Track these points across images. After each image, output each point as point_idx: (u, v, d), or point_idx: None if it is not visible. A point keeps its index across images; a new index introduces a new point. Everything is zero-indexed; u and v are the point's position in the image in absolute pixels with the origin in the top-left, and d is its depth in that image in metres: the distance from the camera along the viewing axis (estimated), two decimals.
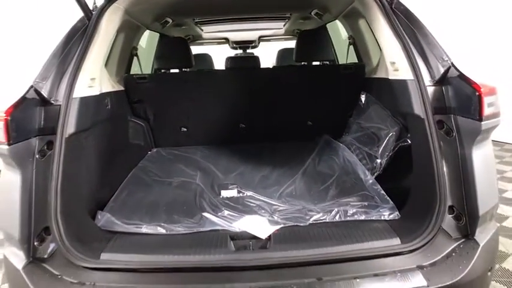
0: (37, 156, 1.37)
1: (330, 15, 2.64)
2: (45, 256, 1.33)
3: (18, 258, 1.32)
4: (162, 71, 2.51)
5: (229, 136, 2.56)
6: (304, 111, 2.54)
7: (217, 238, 1.42)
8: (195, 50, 4.52)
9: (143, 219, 1.56)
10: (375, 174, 1.85)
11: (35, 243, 1.33)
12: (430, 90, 1.39)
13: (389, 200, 1.59)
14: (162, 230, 1.49)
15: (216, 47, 4.85)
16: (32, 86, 1.42)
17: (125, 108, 2.33)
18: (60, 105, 1.45)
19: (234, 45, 4.36)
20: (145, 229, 1.49)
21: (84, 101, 1.54)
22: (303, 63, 2.54)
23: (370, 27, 2.42)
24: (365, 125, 2.13)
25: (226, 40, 4.19)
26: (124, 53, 2.34)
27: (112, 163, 1.94)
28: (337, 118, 2.45)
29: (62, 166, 1.38)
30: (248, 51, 4.58)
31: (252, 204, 1.66)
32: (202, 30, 3.72)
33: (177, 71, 2.56)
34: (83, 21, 1.71)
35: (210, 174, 2.06)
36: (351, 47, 2.64)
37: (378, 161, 1.86)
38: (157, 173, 2.09)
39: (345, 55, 2.82)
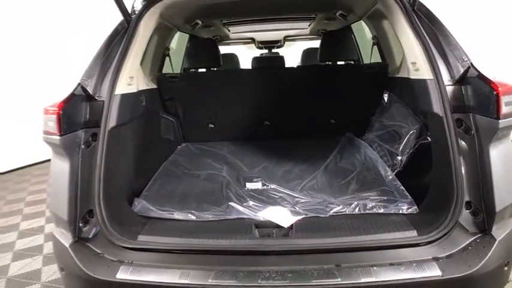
0: (83, 146, 1.53)
1: (354, 16, 2.70)
2: (89, 236, 1.49)
3: (65, 238, 1.48)
4: (192, 70, 2.65)
5: (254, 133, 2.67)
6: (328, 110, 2.61)
7: (243, 225, 1.53)
8: (222, 50, 4.68)
9: (175, 206, 1.70)
10: (395, 170, 1.90)
11: (80, 225, 1.49)
12: (449, 89, 1.43)
13: (408, 195, 1.65)
14: (192, 217, 1.62)
15: (241, 47, 5.00)
16: (79, 84, 1.58)
17: (158, 105, 2.49)
18: (103, 101, 1.60)
19: (260, 45, 4.46)
20: (177, 215, 1.63)
21: (124, 97, 1.69)
22: (327, 62, 2.60)
23: (392, 28, 2.47)
24: (387, 123, 2.18)
25: (252, 40, 4.30)
26: (157, 53, 2.50)
27: (146, 155, 2.09)
28: (360, 117, 2.51)
29: (104, 156, 1.53)
30: (273, 50, 4.67)
31: (275, 196, 1.76)
32: (229, 30, 3.85)
33: (206, 70, 2.70)
34: (122, 24, 1.87)
35: (235, 168, 2.18)
36: (375, 47, 2.68)
37: (399, 158, 1.91)
38: (186, 166, 2.23)
39: (368, 55, 2.86)
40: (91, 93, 1.59)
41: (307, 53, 3.62)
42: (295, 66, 3.73)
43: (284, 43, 4.52)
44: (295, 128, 2.67)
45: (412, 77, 1.74)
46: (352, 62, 2.73)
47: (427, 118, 1.70)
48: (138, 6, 1.97)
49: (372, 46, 2.67)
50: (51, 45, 5.47)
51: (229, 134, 2.70)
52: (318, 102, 2.59)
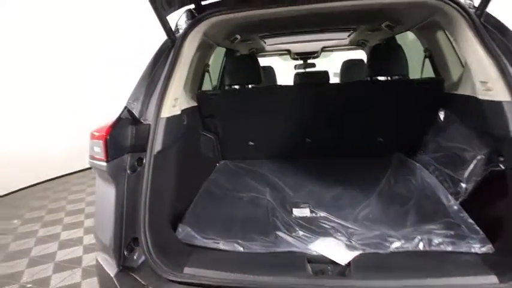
0: (128, 171, 1.48)
1: (402, 27, 2.54)
2: (134, 266, 1.44)
3: (110, 266, 1.44)
4: (233, 87, 2.59)
5: (295, 151, 2.56)
6: (375, 127, 2.45)
7: (294, 260, 1.42)
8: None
9: (220, 234, 1.61)
10: (459, 199, 1.72)
11: (125, 253, 1.44)
12: None
13: (480, 230, 1.47)
14: (239, 248, 1.52)
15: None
16: (125, 107, 1.55)
17: (198, 123, 2.44)
18: (149, 124, 1.56)
19: (296, 56, 4.36)
20: (223, 245, 1.54)
21: (169, 120, 1.64)
22: (374, 77, 2.46)
23: (449, 40, 2.29)
24: (445, 145, 2.00)
25: (288, 52, 4.21)
26: (198, 70, 2.46)
27: (187, 175, 2.03)
28: (411, 135, 2.33)
29: (150, 181, 1.48)
30: (309, 61, 4.55)
31: (326, 226, 1.63)
32: (265, 42, 3.78)
33: (246, 86, 2.63)
34: (166, 43, 1.83)
35: (279, 190, 2.07)
36: (426, 60, 2.50)
37: (463, 185, 1.72)
38: (227, 187, 2.16)
39: (415, 68, 2.68)
40: (137, 116, 1.56)
41: (348, 65, 3.47)
42: (338, 80, 3.60)
43: (321, 54, 4.40)
44: (338, 146, 2.53)
45: (481, 97, 1.57)
46: (401, 76, 2.55)
47: (500, 143, 1.52)
48: (182, 24, 1.94)
49: (424, 59, 2.49)
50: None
51: (269, 151, 2.61)
52: (364, 119, 2.44)
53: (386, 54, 2.42)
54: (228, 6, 1.77)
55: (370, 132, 2.47)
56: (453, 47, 2.28)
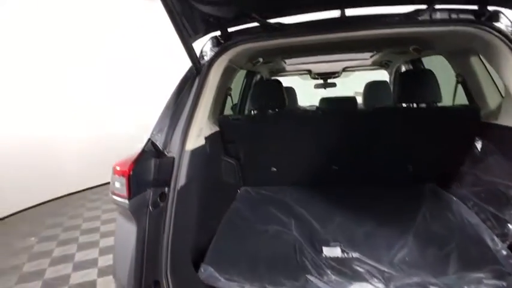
0: (150, 208, 1.41)
1: (432, 51, 2.43)
2: None
3: None
4: (256, 111, 2.52)
5: (320, 178, 2.45)
6: (405, 155, 2.33)
7: None
8: None
9: (245, 275, 1.51)
10: (507, 242, 1.57)
11: None
12: None
13: None
14: None
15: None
16: (149, 139, 1.48)
17: (219, 148, 2.37)
18: (173, 157, 1.49)
19: (316, 76, 4.28)
20: None
21: (194, 152, 1.58)
22: (404, 104, 2.35)
23: (484, 66, 2.17)
24: (485, 178, 1.86)
25: (309, 71, 4.14)
26: (220, 95, 2.40)
27: (208, 206, 1.95)
28: (444, 165, 2.19)
29: (173, 219, 1.40)
30: (329, 81, 4.47)
31: (360, 270, 1.50)
32: (285, 63, 3.72)
33: (270, 111, 2.55)
34: (191, 71, 1.78)
35: (305, 223, 1.95)
36: (458, 86, 2.37)
37: (511, 227, 1.58)
38: (250, 218, 2.05)
39: (444, 92, 2.54)
40: (161, 148, 1.49)
41: (372, 87, 3.36)
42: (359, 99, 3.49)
43: (342, 74, 4.31)
44: (366, 174, 2.41)
45: None
46: (432, 103, 2.41)
47: None
48: (208, 51, 1.89)
49: (456, 85, 2.36)
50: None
51: (293, 178, 2.50)
52: (394, 147, 2.32)
53: (417, 80, 2.31)
54: (255, 35, 1.72)
55: (400, 161, 2.34)
56: (489, 73, 2.15)
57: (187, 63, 1.75)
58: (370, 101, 3.28)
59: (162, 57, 5.59)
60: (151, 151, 1.47)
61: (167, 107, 1.61)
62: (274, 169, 2.51)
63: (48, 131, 5.20)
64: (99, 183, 5.96)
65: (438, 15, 1.64)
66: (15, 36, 4.78)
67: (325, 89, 4.49)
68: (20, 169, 4.81)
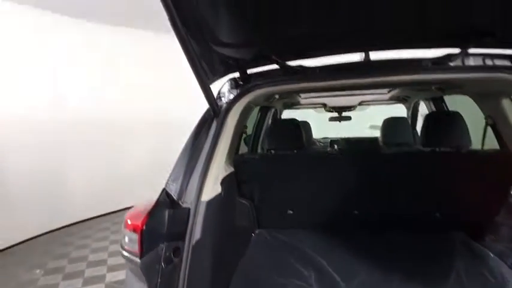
0: (163, 264, 1.30)
1: (458, 91, 2.33)
2: None
3: None
4: (272, 151, 2.43)
5: (340, 223, 2.31)
6: (432, 201, 2.18)
7: None
8: (290, 113, 4.51)
9: None
10: None
11: None
12: None
13: None
14: None
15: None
16: (164, 189, 1.40)
17: (233, 189, 2.27)
18: (188, 208, 1.39)
19: (331, 109, 4.21)
20: None
21: (210, 203, 1.48)
22: (430, 147, 2.23)
23: None
24: None
25: (324, 105, 4.07)
26: (236, 134, 2.33)
27: (222, 256, 1.82)
28: (475, 214, 2.04)
29: (187, 275, 1.29)
30: (344, 114, 4.39)
31: None
32: (300, 97, 3.67)
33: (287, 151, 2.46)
34: (208, 113, 1.71)
35: (326, 276, 1.80)
36: (486, 128, 2.25)
37: None
38: (266, 267, 1.92)
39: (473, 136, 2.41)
40: (175, 198, 1.40)
41: (390, 124, 3.24)
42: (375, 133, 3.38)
43: (357, 107, 4.23)
44: (389, 220, 2.26)
45: None
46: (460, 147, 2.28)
47: None
48: (225, 92, 1.83)
49: (485, 127, 2.24)
50: None
51: (310, 222, 2.37)
52: (420, 191, 2.18)
53: (444, 123, 2.20)
54: (275, 78, 1.66)
55: (426, 207, 2.20)
56: None
57: (202, 101, 1.68)
58: (389, 138, 3.16)
59: (178, 91, 5.63)
60: (166, 202, 1.38)
61: (182, 155, 1.53)
62: (291, 211, 2.38)
63: (56, 159, 5.20)
64: (107, 212, 5.91)
65: (471, 61, 1.55)
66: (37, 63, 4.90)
67: (339, 122, 4.41)
68: (29, 196, 4.78)
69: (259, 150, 3.48)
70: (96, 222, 5.57)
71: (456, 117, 2.15)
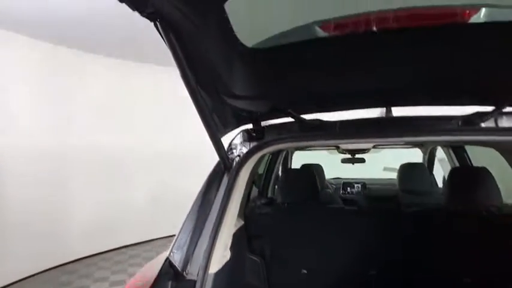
0: None
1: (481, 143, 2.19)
2: None
3: None
4: (286, 204, 2.28)
5: (356, 284, 2.11)
6: (460, 265, 1.98)
7: None
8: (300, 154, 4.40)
9: None
10: None
11: None
12: None
13: None
14: None
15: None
16: (167, 258, 1.26)
17: (243, 245, 2.10)
18: (193, 280, 1.24)
19: (344, 151, 4.09)
20: None
21: (218, 274, 1.32)
22: (456, 207, 2.06)
23: None
24: None
25: (337, 147, 3.95)
26: (249, 184, 2.20)
27: None
28: (509, 281, 1.84)
29: None
30: (357, 156, 4.25)
31: None
32: None
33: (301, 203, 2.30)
34: (219, 166, 1.60)
35: None
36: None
37: None
38: None
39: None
40: (179, 269, 1.25)
41: (407, 170, 3.09)
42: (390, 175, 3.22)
43: (370, 150, 4.10)
44: (411, 284, 2.05)
45: None
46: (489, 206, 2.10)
47: None
48: (237, 144, 1.72)
49: None
50: None
51: (326, 283, 2.16)
52: (445, 253, 1.99)
53: (470, 180, 2.04)
54: (292, 134, 1.55)
55: (453, 270, 1.99)
56: None
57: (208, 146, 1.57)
58: (407, 185, 3.00)
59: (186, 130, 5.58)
60: (169, 273, 1.23)
61: (190, 215, 1.40)
62: (305, 271, 2.19)
63: (56, 193, 5.09)
64: (108, 249, 5.71)
65: (505, 122, 1.43)
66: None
67: (353, 164, 4.27)
68: (24, 232, 4.61)
69: (269, 193, 3.33)
70: (95, 260, 5.35)
71: (484, 173, 2.00)
